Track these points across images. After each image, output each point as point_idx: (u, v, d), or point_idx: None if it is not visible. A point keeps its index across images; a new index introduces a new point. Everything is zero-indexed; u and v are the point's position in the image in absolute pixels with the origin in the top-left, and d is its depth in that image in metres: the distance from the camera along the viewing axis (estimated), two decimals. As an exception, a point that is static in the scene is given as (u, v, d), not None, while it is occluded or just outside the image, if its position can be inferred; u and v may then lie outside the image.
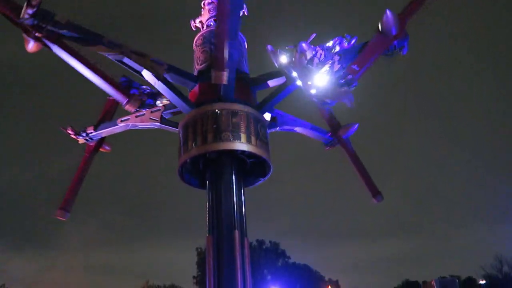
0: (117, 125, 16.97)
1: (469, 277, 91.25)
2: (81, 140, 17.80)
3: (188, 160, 14.06)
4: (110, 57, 13.85)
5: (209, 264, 12.50)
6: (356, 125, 18.58)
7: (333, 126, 18.81)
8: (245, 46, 17.13)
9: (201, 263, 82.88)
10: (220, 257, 12.46)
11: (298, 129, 18.03)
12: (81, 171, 18.35)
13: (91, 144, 18.17)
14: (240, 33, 16.32)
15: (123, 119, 16.88)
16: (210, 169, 14.29)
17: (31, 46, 13.57)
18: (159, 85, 14.23)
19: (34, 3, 12.51)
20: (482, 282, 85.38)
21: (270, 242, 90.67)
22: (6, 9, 13.01)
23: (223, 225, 12.95)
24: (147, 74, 14.00)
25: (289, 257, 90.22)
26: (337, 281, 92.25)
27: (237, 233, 12.75)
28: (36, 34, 13.22)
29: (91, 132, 17.53)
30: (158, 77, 14.01)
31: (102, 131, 17.57)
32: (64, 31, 13.29)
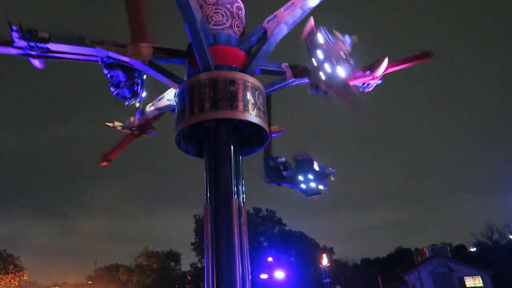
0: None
1: (460, 245, 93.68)
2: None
3: (185, 129, 14.00)
4: (97, 58, 14.55)
5: (207, 231, 12.69)
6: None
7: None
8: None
9: (199, 230, 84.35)
10: (217, 224, 12.63)
11: None
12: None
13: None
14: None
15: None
16: (207, 138, 14.24)
17: (38, 64, 15.10)
18: (148, 71, 14.74)
19: (14, 25, 13.81)
20: (473, 249, 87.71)
21: (266, 210, 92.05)
22: (3, 42, 14.40)
23: (220, 193, 13.06)
24: (134, 63, 14.48)
25: (285, 225, 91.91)
26: (331, 248, 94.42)
27: (234, 201, 12.88)
28: (33, 52, 14.52)
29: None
30: (145, 63, 14.43)
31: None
32: (50, 44, 14.31)
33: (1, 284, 72.61)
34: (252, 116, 13.62)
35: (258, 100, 14.16)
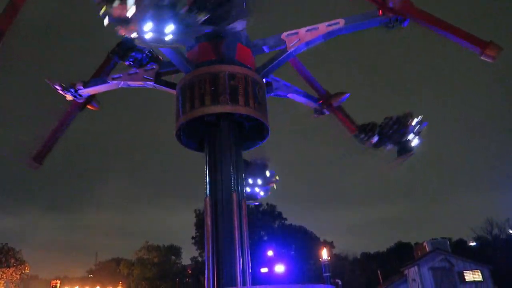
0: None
1: (460, 239, 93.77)
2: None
3: (185, 123, 13.97)
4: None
5: (207, 225, 12.72)
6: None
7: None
8: None
9: (199, 224, 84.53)
10: (218, 219, 12.66)
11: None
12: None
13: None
14: None
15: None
16: (208, 132, 14.23)
17: (93, 108, 18.36)
18: (158, 87, 15.33)
19: (58, 86, 16.83)
20: (473, 244, 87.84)
21: (267, 204, 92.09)
22: (66, 115, 18.33)
23: (221, 187, 13.06)
24: (146, 85, 15.20)
25: (285, 219, 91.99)
26: (331, 242, 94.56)
27: (234, 195, 12.88)
28: (81, 101, 17.77)
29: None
30: (155, 82, 15.06)
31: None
32: (86, 90, 17.19)
33: (3, 278, 73.04)
34: (253, 110, 13.59)
35: (259, 94, 14.12)
